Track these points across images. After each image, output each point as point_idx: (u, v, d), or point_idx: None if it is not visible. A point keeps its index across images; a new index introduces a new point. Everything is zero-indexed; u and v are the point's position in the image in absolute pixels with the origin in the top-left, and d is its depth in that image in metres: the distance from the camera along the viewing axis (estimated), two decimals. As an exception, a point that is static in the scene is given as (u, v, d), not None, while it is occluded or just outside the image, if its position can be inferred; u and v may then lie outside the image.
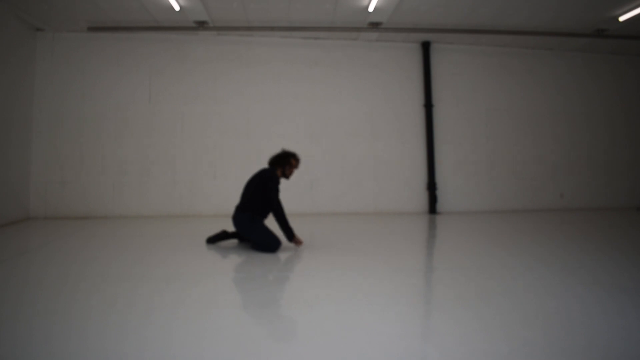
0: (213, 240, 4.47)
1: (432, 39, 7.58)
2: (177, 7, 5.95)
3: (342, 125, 7.46)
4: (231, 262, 3.94)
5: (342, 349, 1.95)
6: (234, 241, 4.57)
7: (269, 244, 4.07)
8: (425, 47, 7.65)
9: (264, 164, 7.07)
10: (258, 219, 4.22)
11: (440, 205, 7.56)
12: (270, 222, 4.31)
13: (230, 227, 4.58)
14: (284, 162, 4.38)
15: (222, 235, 4.49)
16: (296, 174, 7.22)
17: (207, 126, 7.16)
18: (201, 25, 6.60)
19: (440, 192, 7.58)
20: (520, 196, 7.88)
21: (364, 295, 2.79)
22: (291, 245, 4.29)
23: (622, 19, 6.46)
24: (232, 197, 7.10)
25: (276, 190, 4.20)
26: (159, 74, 7.10)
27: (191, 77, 7.17)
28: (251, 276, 3.42)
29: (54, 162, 6.77)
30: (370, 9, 6.14)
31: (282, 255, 3.98)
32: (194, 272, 3.42)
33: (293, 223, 4.27)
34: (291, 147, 7.05)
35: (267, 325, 2.31)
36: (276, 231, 4.22)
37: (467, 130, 7.78)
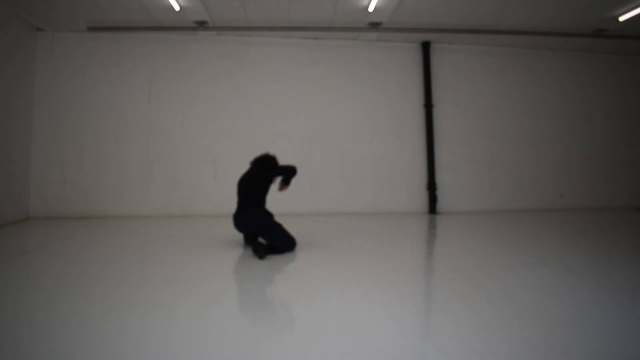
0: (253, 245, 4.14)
1: (432, 39, 7.58)
2: (177, 7, 5.95)
3: (342, 125, 7.46)
4: (231, 262, 3.94)
5: (342, 349, 1.95)
6: (236, 241, 4.56)
7: (290, 243, 4.09)
8: (425, 47, 7.64)
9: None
10: (272, 217, 4.27)
11: (440, 205, 7.56)
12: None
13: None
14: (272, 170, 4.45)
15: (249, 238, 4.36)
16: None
17: (207, 126, 7.16)
18: (201, 25, 6.59)
19: (440, 192, 7.57)
20: (520, 196, 7.87)
21: (363, 295, 2.79)
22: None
23: (622, 19, 6.46)
24: (233, 196, 7.11)
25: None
26: (159, 74, 7.10)
27: (191, 77, 7.17)
28: (251, 276, 3.42)
29: (54, 162, 6.77)
30: (370, 9, 6.14)
31: (282, 255, 3.98)
32: (194, 272, 3.42)
33: (293, 223, 4.27)
34: (291, 147, 7.18)
35: (267, 325, 2.31)
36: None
37: (467, 130, 7.77)
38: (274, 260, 3.78)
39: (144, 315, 2.39)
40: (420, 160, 7.61)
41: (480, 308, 2.50)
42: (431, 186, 7.50)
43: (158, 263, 3.73)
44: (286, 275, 3.44)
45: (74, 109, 6.86)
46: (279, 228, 4.12)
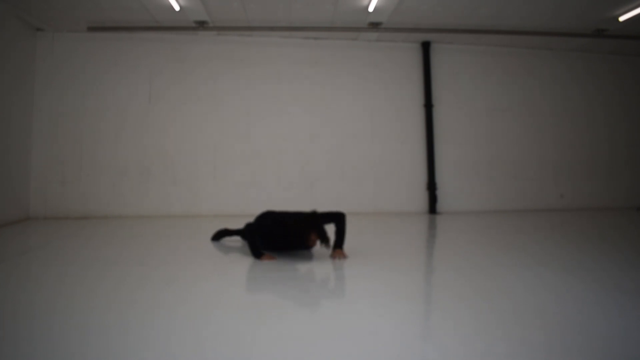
0: (217, 237, 4.48)
1: (432, 39, 7.58)
2: (177, 7, 5.95)
3: (342, 125, 7.46)
4: (232, 262, 3.94)
5: (342, 349, 1.95)
6: (236, 240, 4.56)
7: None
8: (425, 47, 7.64)
9: (264, 163, 7.15)
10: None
11: (440, 205, 7.56)
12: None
13: (232, 226, 4.58)
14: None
15: (225, 233, 4.49)
16: (296, 174, 7.32)
17: (207, 126, 7.16)
18: (201, 25, 6.59)
19: (440, 192, 7.57)
20: (521, 196, 7.87)
21: (363, 296, 2.79)
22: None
23: (622, 19, 6.45)
24: (232, 197, 7.18)
25: (256, 225, 3.83)
26: (159, 74, 7.10)
27: (191, 77, 7.17)
28: (252, 276, 3.42)
29: (54, 162, 6.76)
30: (370, 9, 6.14)
31: (282, 256, 3.98)
32: (194, 272, 3.42)
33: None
34: (291, 147, 7.18)
35: (267, 326, 2.31)
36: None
37: (467, 130, 7.77)
38: (274, 261, 3.77)
39: (144, 315, 2.39)
40: (420, 160, 7.61)
41: (480, 308, 2.50)
42: (431, 186, 7.50)
43: (158, 263, 3.73)
44: (286, 276, 3.44)
45: (74, 108, 6.86)
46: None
